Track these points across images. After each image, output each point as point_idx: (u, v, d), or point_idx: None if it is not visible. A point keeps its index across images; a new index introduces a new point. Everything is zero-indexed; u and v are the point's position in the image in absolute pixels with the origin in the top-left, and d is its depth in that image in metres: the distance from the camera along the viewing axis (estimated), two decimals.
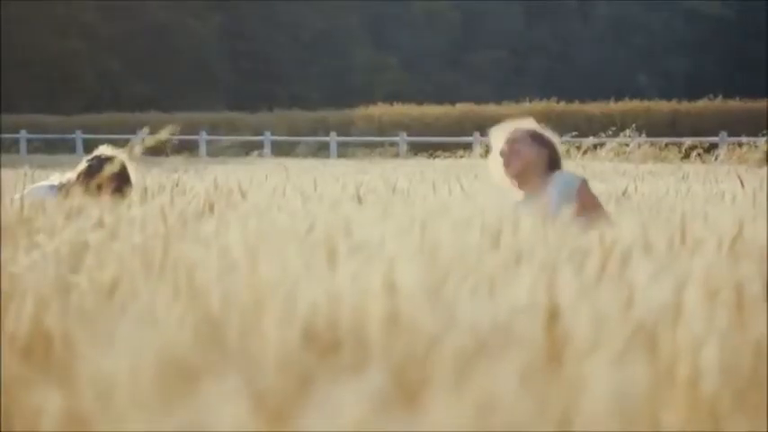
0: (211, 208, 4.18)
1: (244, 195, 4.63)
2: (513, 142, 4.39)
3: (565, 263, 2.18)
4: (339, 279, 1.68)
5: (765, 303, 1.58)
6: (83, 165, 4.63)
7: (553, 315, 1.50)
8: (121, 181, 4.55)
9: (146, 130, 4.41)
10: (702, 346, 1.26)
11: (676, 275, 1.80)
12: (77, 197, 3.48)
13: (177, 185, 5.76)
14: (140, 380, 1.08)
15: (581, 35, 43.89)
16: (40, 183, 4.94)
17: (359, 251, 2.28)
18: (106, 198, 3.45)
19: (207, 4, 43.92)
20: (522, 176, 4.36)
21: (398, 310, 1.46)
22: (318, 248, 2.48)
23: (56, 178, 4.70)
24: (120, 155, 4.62)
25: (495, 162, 4.46)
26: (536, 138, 4.47)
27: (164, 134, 3.63)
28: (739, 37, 52.07)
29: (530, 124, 4.54)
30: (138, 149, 4.61)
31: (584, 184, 4.36)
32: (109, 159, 4.56)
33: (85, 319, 1.48)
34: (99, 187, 4.28)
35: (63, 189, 4.46)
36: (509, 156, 4.37)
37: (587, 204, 4.21)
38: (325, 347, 1.36)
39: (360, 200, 4.75)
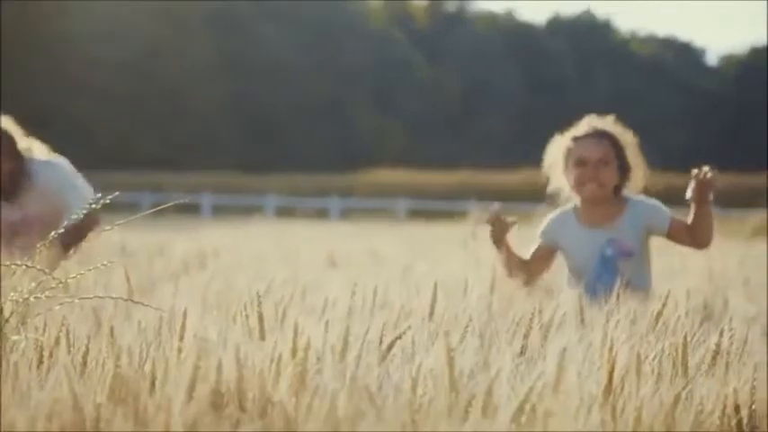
0: (185, 269, 4.28)
1: (219, 257, 4.74)
2: (598, 161, 3.76)
3: (494, 334, 2.29)
4: (265, 342, 1.79)
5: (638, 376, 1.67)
6: None
7: (453, 382, 1.60)
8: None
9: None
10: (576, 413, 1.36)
11: (587, 346, 1.90)
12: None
13: (162, 248, 5.87)
14: None
15: (582, 105, 44.36)
16: None
17: (303, 313, 2.38)
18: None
19: (217, 69, 44.48)
20: (596, 201, 3.76)
21: (306, 373, 1.57)
22: (267, 310, 2.58)
23: None
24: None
25: (559, 171, 3.83)
26: (622, 158, 3.82)
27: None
28: (736, 112, 52.78)
29: (616, 132, 3.87)
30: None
31: (673, 221, 3.76)
32: None
33: (16, 377, 1.58)
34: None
35: None
36: (592, 174, 3.75)
37: (683, 233, 3.72)
38: (229, 406, 1.46)
39: (334, 264, 4.87)
